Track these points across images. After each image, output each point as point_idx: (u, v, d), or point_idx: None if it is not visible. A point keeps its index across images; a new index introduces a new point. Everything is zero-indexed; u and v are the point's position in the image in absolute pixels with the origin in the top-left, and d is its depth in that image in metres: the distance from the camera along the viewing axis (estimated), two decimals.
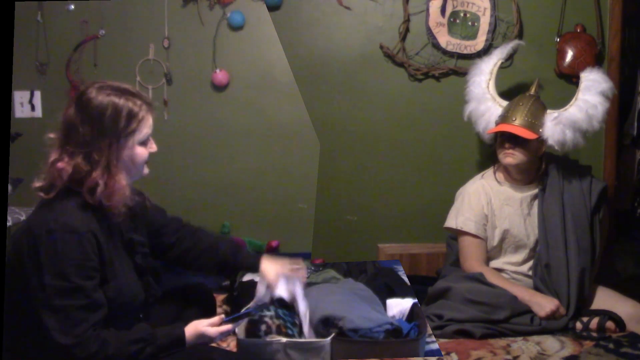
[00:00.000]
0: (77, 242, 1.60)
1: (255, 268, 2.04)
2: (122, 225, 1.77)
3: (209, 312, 2.01)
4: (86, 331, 1.58)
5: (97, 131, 1.65)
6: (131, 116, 1.68)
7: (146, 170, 1.79)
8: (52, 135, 1.69)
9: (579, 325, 2.28)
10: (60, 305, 1.57)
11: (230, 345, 1.95)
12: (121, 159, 1.69)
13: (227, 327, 1.77)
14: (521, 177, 2.53)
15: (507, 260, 2.52)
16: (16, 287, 1.64)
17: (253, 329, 1.92)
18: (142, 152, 1.73)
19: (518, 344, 2.13)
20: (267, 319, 1.91)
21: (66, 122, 1.68)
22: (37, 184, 1.68)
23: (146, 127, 1.72)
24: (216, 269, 2.09)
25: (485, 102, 2.64)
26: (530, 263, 2.50)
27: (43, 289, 1.57)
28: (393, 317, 2.07)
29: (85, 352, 1.57)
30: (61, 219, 1.61)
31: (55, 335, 1.56)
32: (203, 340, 1.75)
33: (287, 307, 1.94)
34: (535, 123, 2.45)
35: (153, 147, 1.77)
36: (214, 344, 1.85)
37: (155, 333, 1.69)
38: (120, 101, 1.67)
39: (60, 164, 1.64)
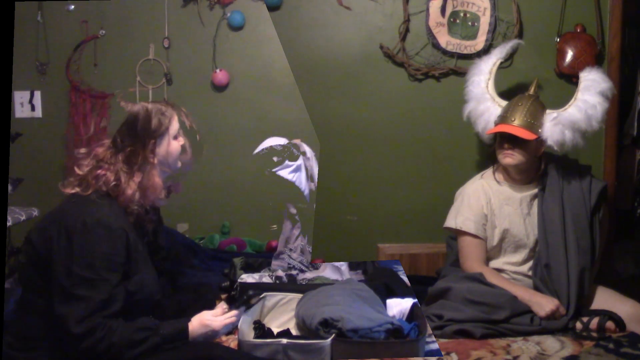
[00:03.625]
0: (109, 237, 1.69)
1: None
2: (147, 228, 1.88)
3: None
4: (96, 321, 1.64)
5: (133, 134, 1.82)
6: (162, 114, 1.87)
7: (179, 164, 1.96)
8: (82, 150, 1.85)
9: (579, 325, 2.28)
10: (83, 295, 1.63)
11: (232, 345, 1.96)
12: (158, 155, 1.85)
13: (231, 318, 1.83)
14: (520, 177, 2.53)
15: (507, 260, 2.52)
16: (41, 271, 1.71)
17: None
18: (176, 146, 1.92)
19: (518, 344, 2.13)
20: None
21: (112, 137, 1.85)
22: (70, 190, 1.77)
23: (176, 122, 1.91)
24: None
25: (484, 102, 2.63)
26: (530, 263, 2.49)
27: (70, 277, 1.64)
28: (393, 317, 2.07)
29: (92, 339, 1.62)
30: (96, 214, 1.70)
31: (70, 324, 1.61)
32: (207, 331, 1.82)
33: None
34: (534, 123, 2.45)
35: (182, 140, 1.96)
36: (216, 340, 1.91)
37: (159, 324, 1.76)
38: (149, 105, 1.87)
39: (101, 171, 1.77)
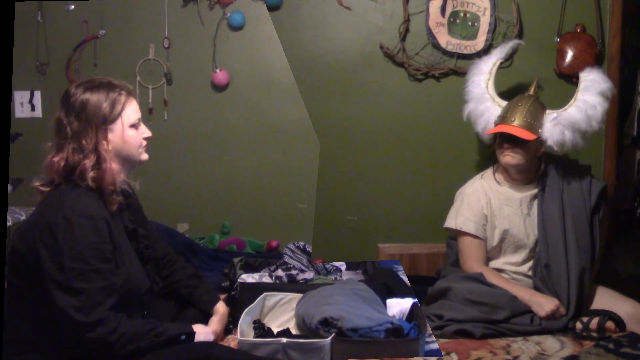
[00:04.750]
0: (93, 227, 1.66)
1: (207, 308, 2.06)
2: (125, 217, 1.85)
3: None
4: (105, 311, 1.63)
5: (83, 121, 1.73)
6: (114, 102, 1.77)
7: (145, 156, 1.86)
8: (49, 144, 1.78)
9: (579, 325, 2.28)
10: (81, 287, 1.62)
11: (231, 345, 1.96)
12: (112, 143, 1.76)
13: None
14: (520, 177, 2.53)
15: (507, 261, 2.52)
16: (24, 277, 1.68)
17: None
18: (134, 135, 1.81)
19: (518, 344, 2.13)
20: None
21: (55, 122, 1.77)
22: (37, 182, 1.75)
23: (132, 111, 1.81)
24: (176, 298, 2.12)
25: (484, 102, 2.63)
26: (530, 263, 2.49)
27: (63, 272, 1.61)
28: (393, 316, 2.07)
29: (104, 329, 1.61)
30: (76, 206, 1.66)
31: (76, 315, 1.60)
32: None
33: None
34: (534, 123, 2.45)
35: (146, 131, 1.85)
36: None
37: (166, 323, 1.78)
38: (101, 91, 1.76)
39: (54, 158, 1.73)
